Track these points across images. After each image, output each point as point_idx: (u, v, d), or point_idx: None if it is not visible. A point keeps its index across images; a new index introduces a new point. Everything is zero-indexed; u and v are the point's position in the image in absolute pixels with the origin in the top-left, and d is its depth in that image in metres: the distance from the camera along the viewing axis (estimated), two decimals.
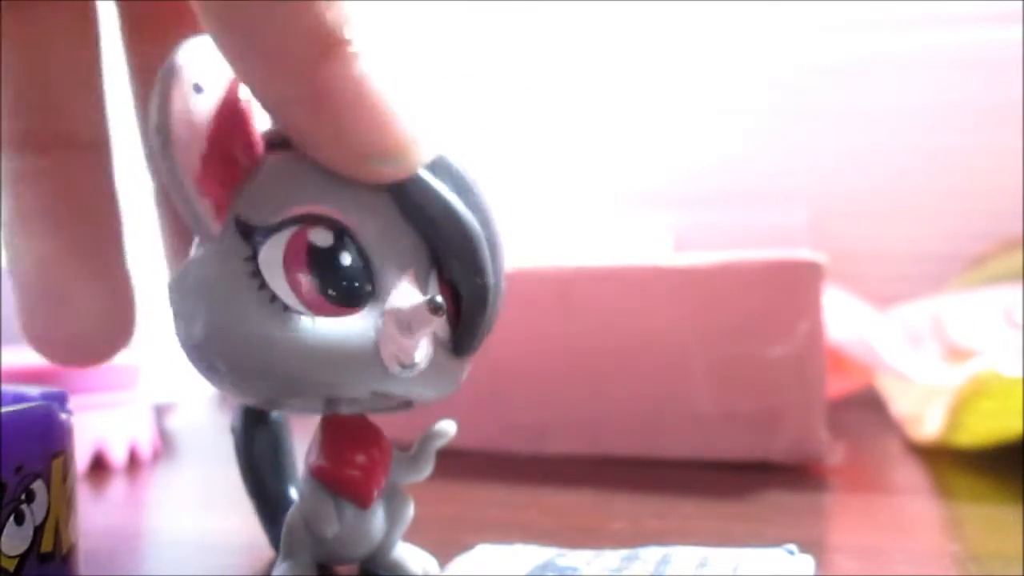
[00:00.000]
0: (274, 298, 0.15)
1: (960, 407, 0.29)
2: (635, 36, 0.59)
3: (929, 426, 0.31)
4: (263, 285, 0.15)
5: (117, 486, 0.29)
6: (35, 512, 0.16)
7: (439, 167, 0.17)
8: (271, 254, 0.15)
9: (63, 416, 0.17)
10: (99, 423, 0.30)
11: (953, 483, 0.29)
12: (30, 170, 0.18)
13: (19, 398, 0.18)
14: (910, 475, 0.29)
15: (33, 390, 0.18)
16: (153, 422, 0.33)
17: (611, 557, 0.17)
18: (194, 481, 0.31)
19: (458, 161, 0.17)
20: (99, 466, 0.30)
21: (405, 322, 0.16)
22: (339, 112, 0.14)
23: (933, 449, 0.31)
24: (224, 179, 0.15)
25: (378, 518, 0.18)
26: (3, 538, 0.15)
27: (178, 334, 0.16)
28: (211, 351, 0.15)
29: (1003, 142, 0.53)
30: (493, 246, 0.17)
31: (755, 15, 0.57)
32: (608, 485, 0.27)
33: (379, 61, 0.15)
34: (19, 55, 0.18)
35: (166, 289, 0.16)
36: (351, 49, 0.14)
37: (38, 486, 0.16)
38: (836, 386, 0.36)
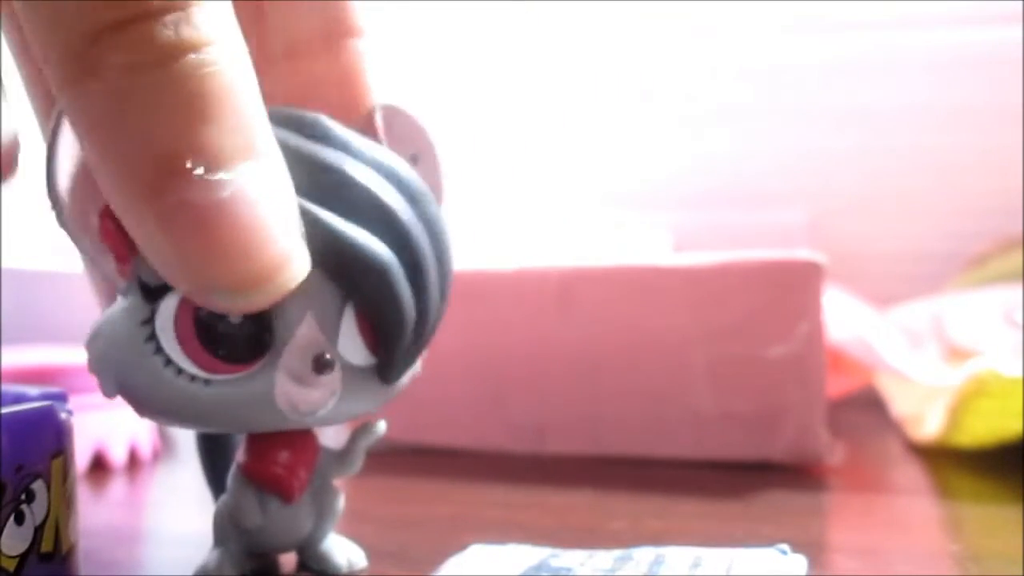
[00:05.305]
0: (169, 361, 0.16)
1: (960, 407, 0.29)
2: (635, 36, 0.59)
3: (929, 426, 0.31)
4: (158, 349, 0.16)
5: (117, 486, 0.29)
6: (35, 512, 0.16)
7: (340, 196, 0.16)
8: (164, 318, 0.16)
9: (63, 416, 0.17)
10: (99, 423, 0.30)
11: (953, 483, 0.29)
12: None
13: (19, 398, 0.18)
14: (910, 475, 0.29)
15: (33, 390, 0.18)
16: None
17: (604, 558, 0.17)
18: (194, 481, 0.31)
19: (367, 184, 0.16)
20: (99, 466, 0.30)
21: (297, 378, 0.16)
22: (184, 237, 0.13)
23: (933, 449, 0.31)
24: (126, 234, 0.15)
25: (304, 512, 0.19)
26: (3, 538, 0.15)
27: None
28: (127, 401, 0.16)
29: (1003, 142, 0.53)
30: (417, 269, 0.17)
31: (755, 14, 0.57)
32: (608, 485, 0.27)
33: (253, 182, 0.13)
34: None
35: (84, 345, 0.16)
36: (203, 175, 0.13)
37: (38, 486, 0.16)
38: (836, 386, 0.36)
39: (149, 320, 0.16)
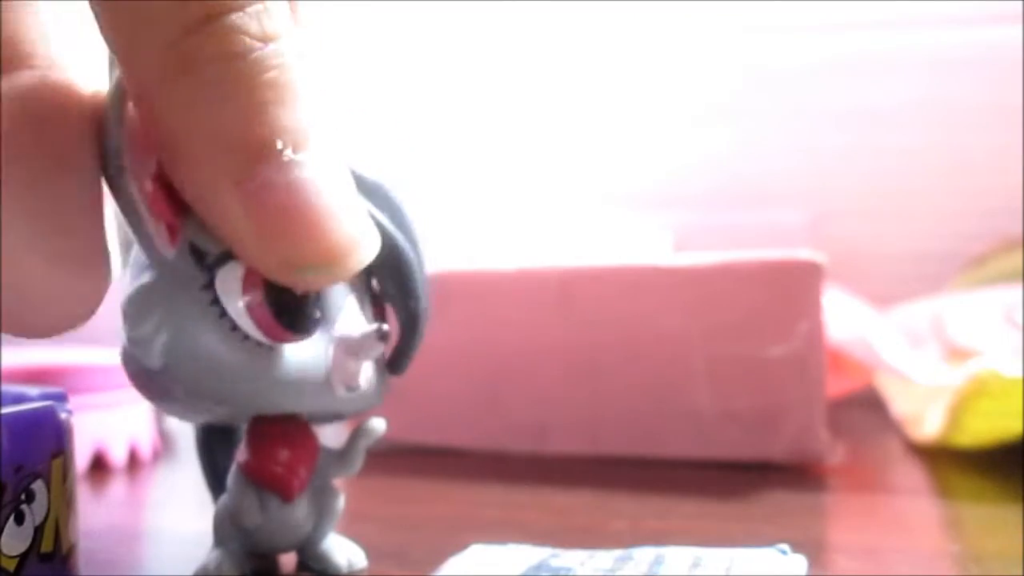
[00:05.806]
0: (234, 327, 0.16)
1: (960, 407, 0.29)
2: (634, 36, 0.59)
3: (929, 426, 0.31)
4: (223, 313, 0.16)
5: (117, 486, 0.29)
6: (35, 512, 0.16)
7: (377, 194, 0.17)
8: (228, 283, 0.16)
9: (63, 416, 0.17)
10: (99, 423, 0.30)
11: (953, 483, 0.29)
12: None
13: (19, 398, 0.18)
14: (910, 475, 0.29)
15: (33, 390, 0.18)
16: (153, 422, 0.33)
17: (605, 558, 0.17)
18: (194, 481, 0.31)
19: (391, 186, 0.18)
20: (99, 466, 0.30)
21: (354, 349, 0.17)
22: (267, 217, 0.14)
23: (933, 449, 0.31)
24: (177, 201, 0.15)
25: (303, 511, 0.19)
26: (3, 538, 0.15)
27: (129, 359, 0.16)
28: (169, 377, 0.16)
29: (1002, 142, 0.53)
30: (422, 270, 0.18)
31: (754, 13, 0.57)
32: (608, 485, 0.27)
33: (326, 166, 0.14)
34: None
35: (120, 311, 0.16)
36: (290, 156, 0.14)
37: (38, 486, 0.16)
38: (836, 386, 0.36)
39: (208, 286, 0.16)
